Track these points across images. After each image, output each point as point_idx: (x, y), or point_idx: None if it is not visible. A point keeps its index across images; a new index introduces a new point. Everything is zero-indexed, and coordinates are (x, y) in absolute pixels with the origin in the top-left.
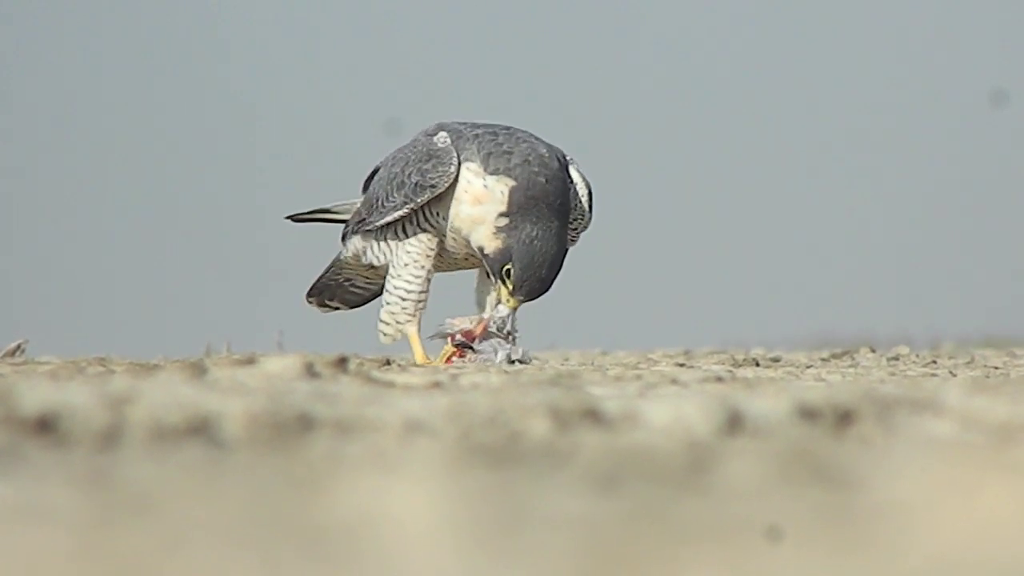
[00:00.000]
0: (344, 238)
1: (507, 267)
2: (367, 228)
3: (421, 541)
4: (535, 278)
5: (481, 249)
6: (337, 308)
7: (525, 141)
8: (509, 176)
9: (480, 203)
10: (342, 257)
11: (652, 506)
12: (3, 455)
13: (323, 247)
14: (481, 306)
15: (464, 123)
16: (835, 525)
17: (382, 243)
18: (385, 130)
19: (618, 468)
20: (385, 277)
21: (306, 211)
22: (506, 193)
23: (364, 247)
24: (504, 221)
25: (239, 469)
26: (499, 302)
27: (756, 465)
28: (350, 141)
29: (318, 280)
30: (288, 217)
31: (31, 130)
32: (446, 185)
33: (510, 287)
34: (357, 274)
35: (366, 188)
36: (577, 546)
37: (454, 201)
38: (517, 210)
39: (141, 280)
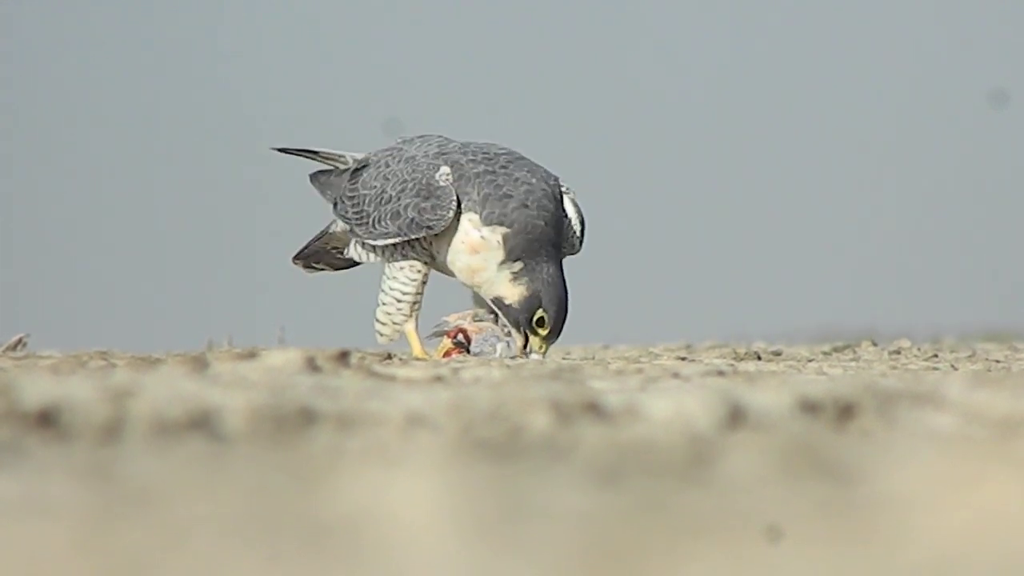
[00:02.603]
0: (335, 208)
1: (538, 315)
2: (358, 239)
3: (422, 535)
4: (563, 318)
5: (500, 300)
6: (322, 270)
7: (524, 183)
8: (504, 224)
9: (477, 252)
10: (332, 231)
11: (653, 499)
12: (5, 449)
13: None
14: (477, 302)
15: (465, 150)
16: (836, 518)
17: (374, 252)
18: (385, 130)
19: (619, 462)
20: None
21: (294, 148)
22: (501, 241)
23: (353, 242)
24: (519, 266)
25: (240, 463)
26: (529, 350)
27: (757, 458)
28: (350, 141)
29: (307, 246)
30: (276, 148)
31: (32, 125)
32: (443, 228)
33: (543, 333)
34: (346, 247)
35: (353, 177)
36: (578, 539)
37: (451, 249)
38: (523, 254)
39: (143, 274)
